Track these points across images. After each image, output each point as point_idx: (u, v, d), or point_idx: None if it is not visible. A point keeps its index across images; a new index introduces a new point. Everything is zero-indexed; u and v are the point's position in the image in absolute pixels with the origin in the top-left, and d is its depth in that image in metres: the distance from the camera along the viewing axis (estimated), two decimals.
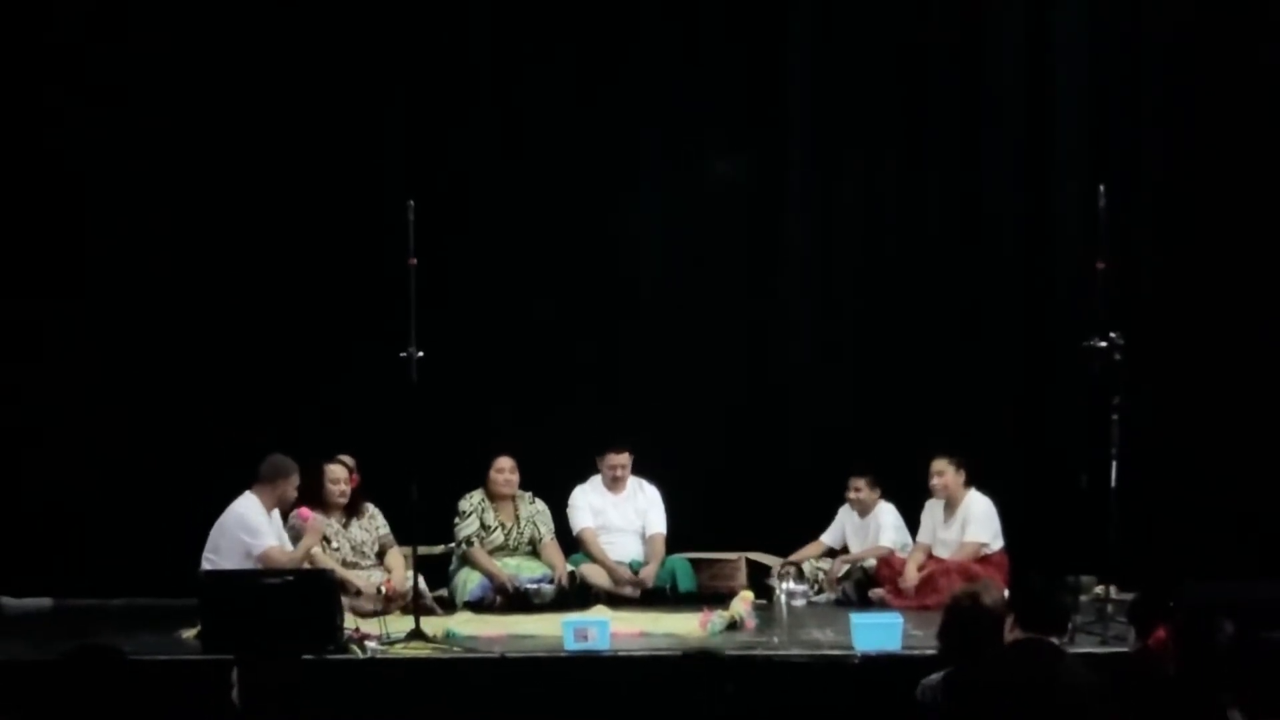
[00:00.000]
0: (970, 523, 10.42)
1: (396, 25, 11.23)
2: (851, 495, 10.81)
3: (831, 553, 10.89)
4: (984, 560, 10.31)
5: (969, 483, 10.50)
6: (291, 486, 9.64)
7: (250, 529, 9.45)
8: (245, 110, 11.08)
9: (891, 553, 10.60)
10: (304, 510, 9.74)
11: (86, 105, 11.06)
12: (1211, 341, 10.77)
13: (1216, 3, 11.04)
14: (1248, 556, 10.08)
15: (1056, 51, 11.20)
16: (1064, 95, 11.20)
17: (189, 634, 8.95)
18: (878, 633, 8.46)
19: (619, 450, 10.80)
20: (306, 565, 9.53)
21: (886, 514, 10.78)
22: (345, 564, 9.97)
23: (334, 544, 10.06)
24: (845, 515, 10.92)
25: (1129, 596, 8.09)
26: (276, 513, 9.66)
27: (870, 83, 11.31)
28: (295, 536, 9.69)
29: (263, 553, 9.41)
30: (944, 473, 10.51)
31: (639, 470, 10.90)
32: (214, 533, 9.49)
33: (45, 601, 10.81)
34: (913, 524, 10.75)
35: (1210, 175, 10.90)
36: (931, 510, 10.64)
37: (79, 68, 11.06)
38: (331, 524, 10.08)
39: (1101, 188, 9.24)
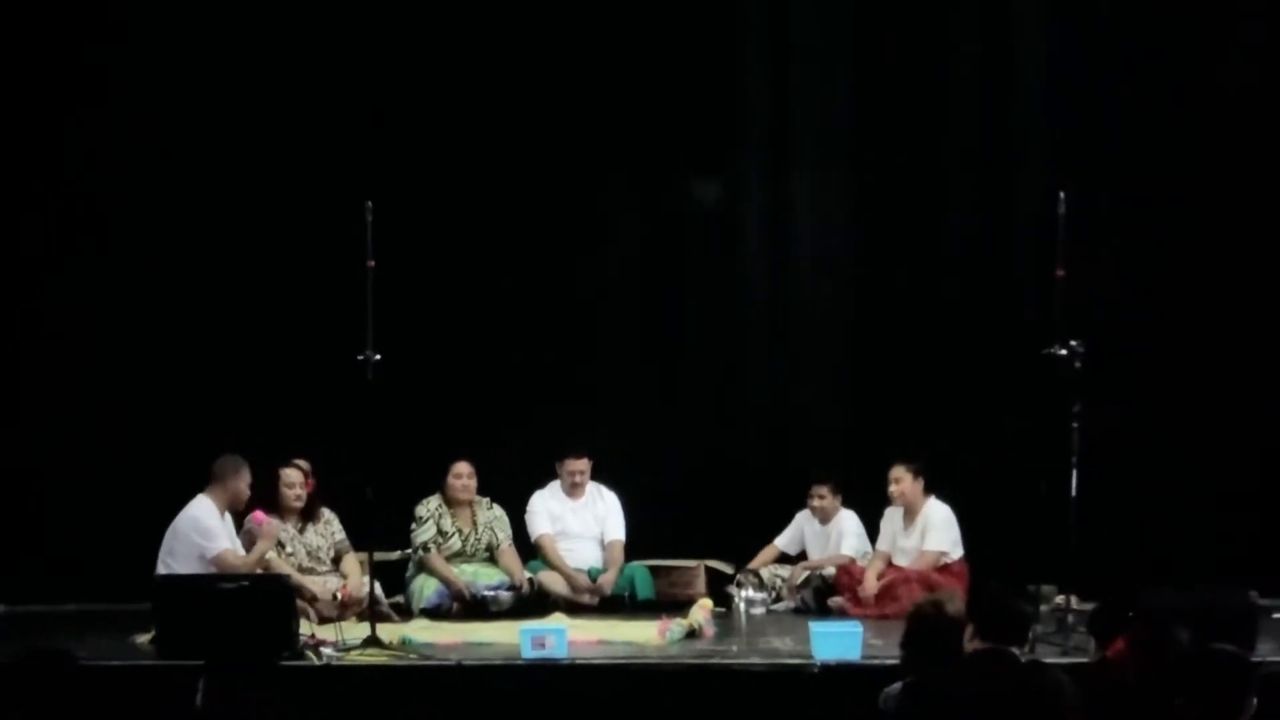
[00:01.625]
0: (930, 531, 10.38)
1: (357, 24, 11.15)
2: (815, 504, 10.76)
3: (786, 557, 10.86)
4: (944, 569, 10.28)
5: (929, 490, 10.46)
6: (242, 482, 9.55)
7: (204, 532, 9.39)
8: (202, 109, 11.00)
9: (852, 561, 10.55)
10: (258, 513, 9.66)
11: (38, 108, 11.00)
12: (1172, 349, 10.76)
13: (1178, 6, 11.04)
14: (1207, 565, 10.07)
15: (1016, 58, 11.19)
16: (1024, 102, 11.18)
17: (143, 639, 8.90)
18: (837, 642, 8.43)
19: (578, 456, 10.75)
20: (260, 570, 9.46)
21: (848, 521, 10.74)
22: (301, 569, 9.90)
23: (289, 549, 9.99)
24: (804, 521, 10.88)
25: (1090, 606, 8.09)
26: (229, 516, 9.58)
27: (828, 94, 11.27)
28: (250, 541, 9.61)
29: (216, 556, 9.35)
30: (901, 480, 10.45)
31: (598, 477, 10.86)
32: (168, 536, 9.44)
33: None
34: (873, 532, 10.71)
35: (1171, 182, 10.88)
36: (891, 518, 10.59)
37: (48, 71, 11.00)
38: (287, 529, 10.01)
39: (1062, 195, 9.21)
